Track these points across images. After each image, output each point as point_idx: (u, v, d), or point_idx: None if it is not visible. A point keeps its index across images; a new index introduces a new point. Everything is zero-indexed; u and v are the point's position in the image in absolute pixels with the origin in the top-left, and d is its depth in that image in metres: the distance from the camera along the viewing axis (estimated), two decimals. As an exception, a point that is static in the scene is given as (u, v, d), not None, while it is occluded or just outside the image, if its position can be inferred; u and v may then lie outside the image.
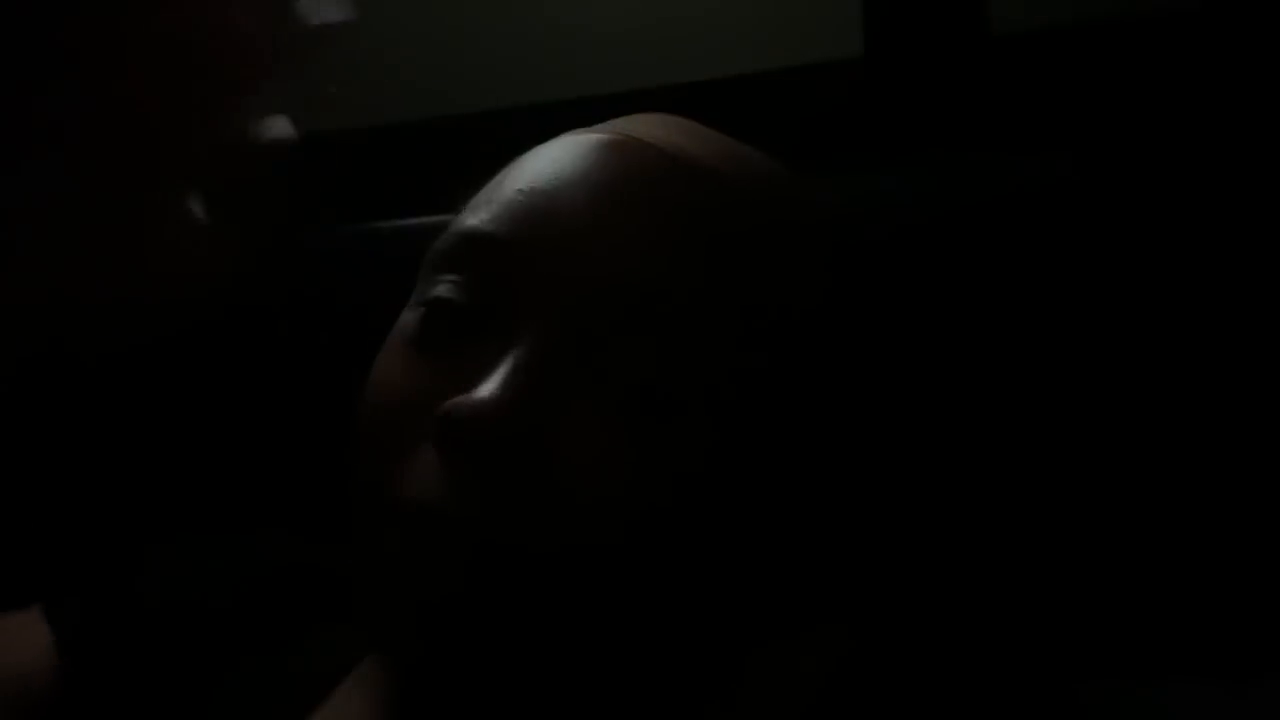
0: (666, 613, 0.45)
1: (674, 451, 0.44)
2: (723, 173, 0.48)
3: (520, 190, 0.47)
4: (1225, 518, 0.56)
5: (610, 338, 0.44)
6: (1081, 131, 0.72)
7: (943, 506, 0.58)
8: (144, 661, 0.51)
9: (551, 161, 0.48)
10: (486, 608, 0.42)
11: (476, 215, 0.48)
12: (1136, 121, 0.71)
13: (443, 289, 0.46)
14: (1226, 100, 0.68)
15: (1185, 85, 0.70)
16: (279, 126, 0.44)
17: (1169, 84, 0.70)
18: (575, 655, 0.44)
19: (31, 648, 0.49)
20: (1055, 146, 0.70)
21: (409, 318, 0.48)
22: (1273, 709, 0.45)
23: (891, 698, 0.45)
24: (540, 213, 0.46)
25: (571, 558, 0.42)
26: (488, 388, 0.42)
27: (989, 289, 0.61)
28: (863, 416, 0.56)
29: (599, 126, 0.51)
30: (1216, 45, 0.70)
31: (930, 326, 0.60)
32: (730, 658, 0.48)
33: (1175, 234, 0.61)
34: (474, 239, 0.47)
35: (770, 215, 0.49)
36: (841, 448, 0.51)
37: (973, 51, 0.77)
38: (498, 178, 0.50)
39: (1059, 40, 0.74)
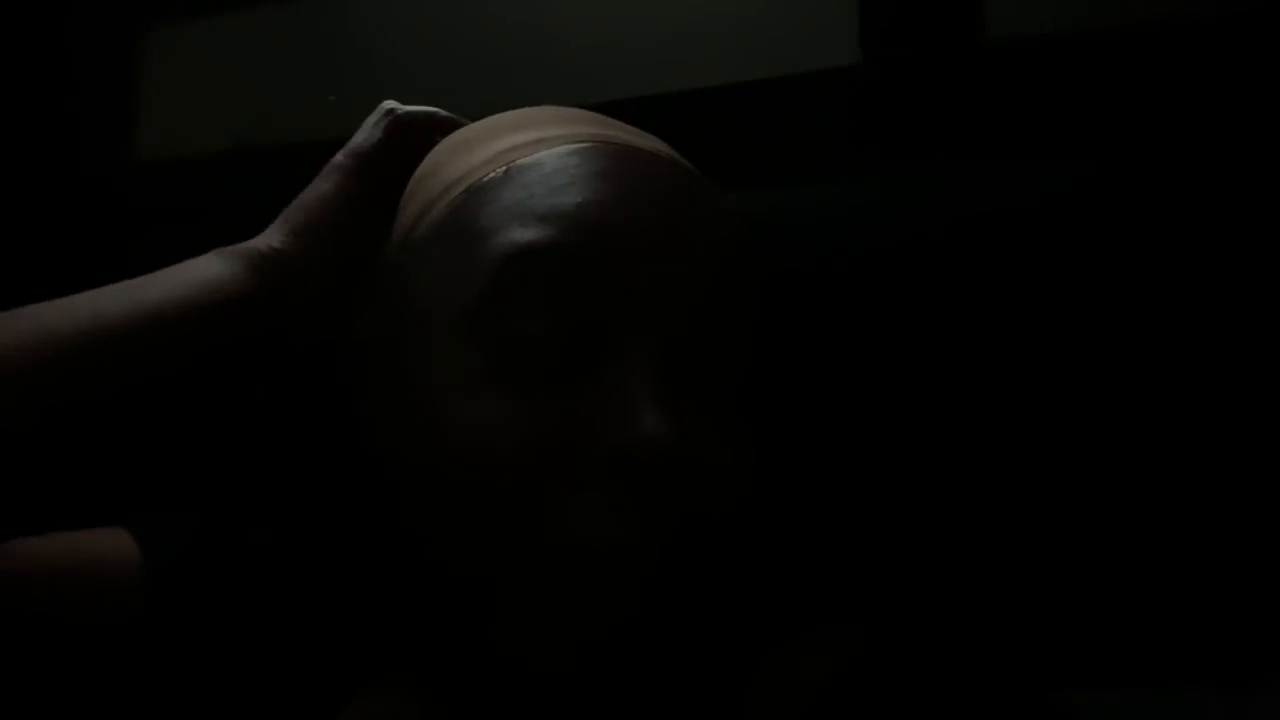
0: (756, 613, 0.47)
1: (769, 446, 0.46)
2: (703, 177, 0.51)
3: (581, 203, 0.46)
4: (1228, 526, 0.57)
5: (711, 341, 0.45)
6: (1076, 138, 0.73)
7: (949, 514, 0.58)
8: (226, 596, 0.51)
9: (599, 172, 0.47)
10: (661, 634, 0.43)
11: (536, 230, 0.45)
12: (1132, 129, 0.71)
13: (528, 323, 0.44)
14: (1223, 108, 0.68)
15: (1180, 93, 0.70)
16: None
17: (1164, 92, 0.70)
18: (706, 667, 0.45)
19: (118, 560, 0.49)
20: (1050, 153, 0.70)
21: (480, 358, 0.45)
22: (1274, 716, 0.45)
23: (894, 702, 0.45)
24: (611, 225, 0.45)
25: (732, 566, 0.44)
26: (648, 419, 0.41)
27: (986, 295, 0.61)
28: (855, 414, 0.56)
29: (601, 134, 0.51)
30: (1212, 53, 0.70)
31: (927, 333, 0.60)
32: (755, 654, 0.49)
33: (1172, 240, 0.61)
34: (544, 255, 0.45)
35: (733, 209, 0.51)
36: (836, 443, 0.52)
37: (968, 59, 0.77)
38: (525, 189, 0.47)
39: (1054, 48, 0.75)
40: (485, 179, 0.49)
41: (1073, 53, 0.74)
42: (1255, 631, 0.54)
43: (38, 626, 0.46)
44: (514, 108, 0.54)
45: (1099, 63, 0.73)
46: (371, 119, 0.56)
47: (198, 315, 0.48)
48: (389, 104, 0.56)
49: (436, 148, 0.54)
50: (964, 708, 0.45)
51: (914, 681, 0.46)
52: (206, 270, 0.50)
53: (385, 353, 0.49)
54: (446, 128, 0.55)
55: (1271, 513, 0.56)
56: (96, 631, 0.47)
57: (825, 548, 0.56)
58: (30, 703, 0.46)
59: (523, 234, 0.45)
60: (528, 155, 0.49)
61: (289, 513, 0.59)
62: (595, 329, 0.44)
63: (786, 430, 0.48)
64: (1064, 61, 0.74)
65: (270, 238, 0.53)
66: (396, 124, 0.55)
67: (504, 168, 0.49)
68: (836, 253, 0.62)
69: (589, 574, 0.42)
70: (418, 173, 0.53)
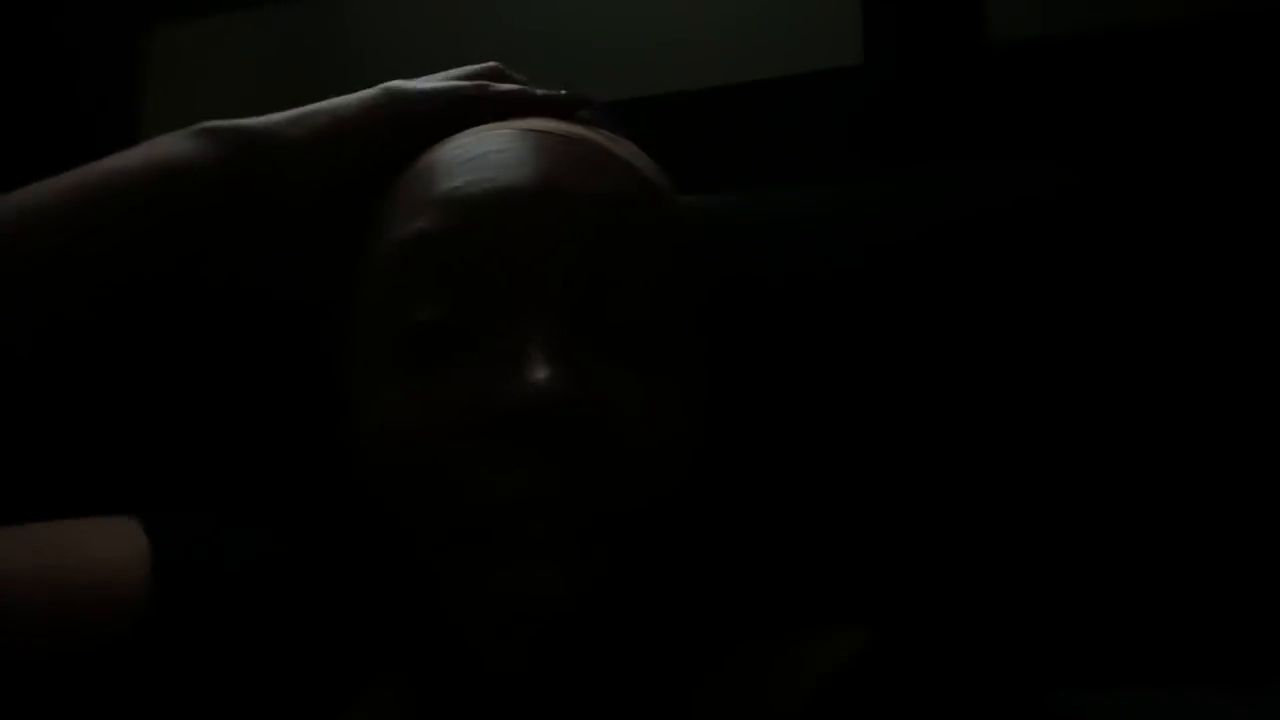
0: (693, 576, 0.47)
1: (686, 397, 0.46)
2: (608, 145, 0.51)
3: (462, 185, 0.47)
4: (1231, 525, 0.57)
5: (607, 299, 0.46)
6: (1078, 140, 0.73)
7: (950, 513, 0.58)
8: (231, 587, 0.51)
9: (485, 154, 0.48)
10: (603, 586, 0.43)
11: (423, 219, 0.47)
12: (1134, 130, 0.71)
13: (425, 309, 0.46)
14: (1226, 109, 0.68)
15: (1182, 95, 0.70)
16: None
17: (1166, 93, 0.71)
18: (650, 623, 0.45)
19: (125, 549, 0.49)
20: (1052, 154, 0.70)
21: (388, 347, 0.46)
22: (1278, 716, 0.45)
23: (898, 699, 0.45)
24: (490, 201, 0.46)
25: (655, 513, 0.44)
26: (535, 374, 0.42)
27: (987, 296, 0.61)
28: (859, 414, 0.56)
29: (517, 125, 0.51)
30: (1215, 54, 0.70)
31: (930, 334, 0.60)
32: (718, 641, 0.49)
33: (1173, 242, 0.62)
34: (435, 241, 0.47)
35: (648, 175, 0.51)
36: (837, 442, 0.52)
37: (971, 60, 0.77)
38: (420, 177, 0.49)
39: (1056, 49, 0.75)
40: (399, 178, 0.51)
41: (1075, 54, 0.74)
42: (1260, 630, 0.54)
43: (35, 626, 0.46)
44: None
45: (1101, 64, 0.73)
46: (466, 81, 0.54)
47: (147, 182, 0.50)
48: (493, 68, 0.56)
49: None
50: (967, 705, 0.45)
51: (917, 679, 0.46)
52: (168, 143, 0.52)
53: (339, 345, 0.51)
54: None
55: (1273, 511, 0.56)
56: (98, 633, 0.47)
57: (828, 543, 0.55)
58: (27, 704, 0.46)
59: (411, 224, 0.47)
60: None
61: (287, 505, 0.59)
62: (487, 304, 0.45)
63: (725, 384, 0.47)
64: (1066, 63, 0.74)
65: (278, 120, 0.53)
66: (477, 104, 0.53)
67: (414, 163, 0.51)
68: (838, 254, 0.62)
69: (514, 538, 0.42)
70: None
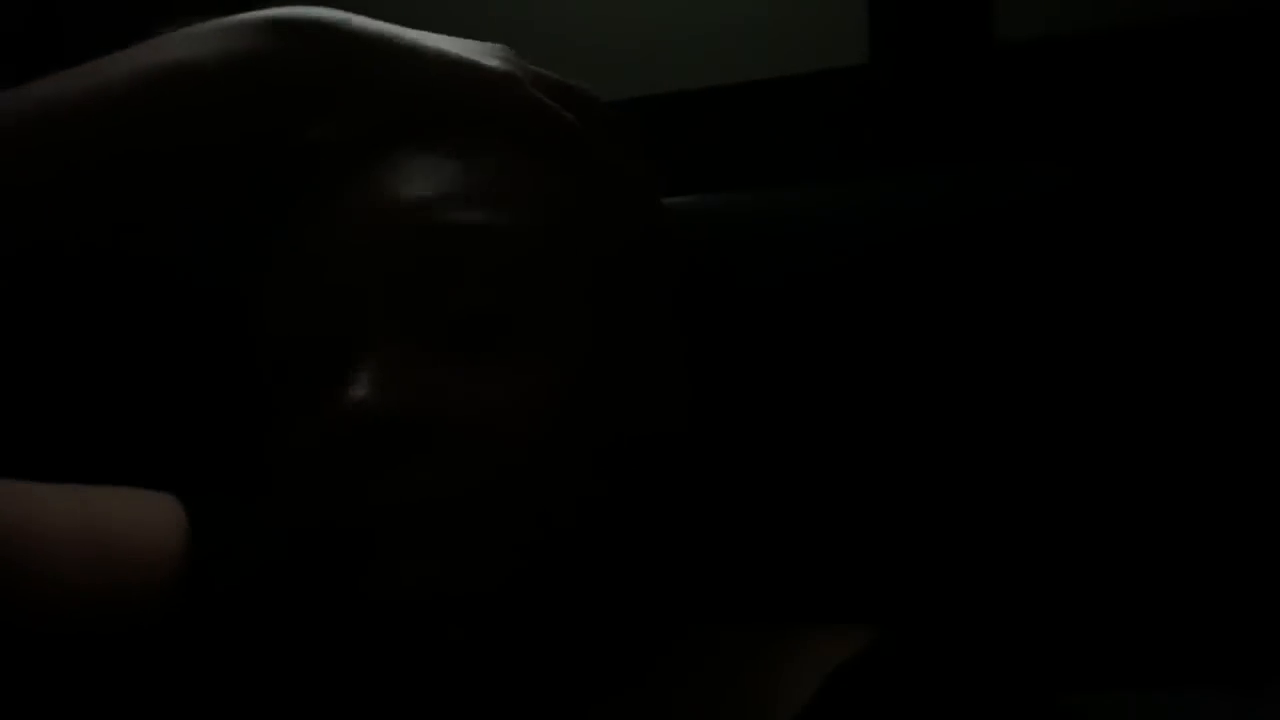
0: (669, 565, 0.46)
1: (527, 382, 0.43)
2: None
3: None
4: (1233, 526, 0.57)
5: (414, 279, 0.44)
6: (1085, 139, 0.73)
7: (951, 513, 0.58)
8: (266, 564, 0.50)
9: None
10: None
11: None
12: (1141, 130, 0.71)
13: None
14: (1231, 109, 0.68)
15: (1189, 94, 0.70)
16: None
17: (1173, 93, 0.70)
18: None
19: (164, 521, 0.48)
20: (1059, 154, 0.70)
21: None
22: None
23: (899, 698, 0.45)
24: None
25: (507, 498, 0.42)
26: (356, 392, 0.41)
27: (993, 296, 0.61)
28: (862, 413, 0.56)
29: None
30: (1220, 54, 0.70)
31: (936, 332, 0.60)
32: (644, 630, 0.48)
33: (1179, 241, 0.61)
34: None
35: None
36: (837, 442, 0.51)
37: (977, 59, 0.77)
38: None
39: (1063, 49, 0.75)
40: None
41: (1082, 54, 0.74)
42: (1260, 631, 0.54)
43: (75, 584, 0.45)
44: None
45: (1107, 64, 0.73)
46: None
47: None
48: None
49: None
50: (970, 704, 0.45)
51: (920, 677, 0.46)
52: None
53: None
54: None
55: (1273, 512, 0.56)
56: (135, 599, 0.46)
57: (831, 542, 0.55)
58: (41, 696, 0.45)
59: None
60: None
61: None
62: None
63: (725, 384, 0.46)
64: (1073, 63, 0.74)
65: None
66: None
67: None
68: (844, 253, 0.62)
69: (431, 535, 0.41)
70: None
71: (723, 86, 0.81)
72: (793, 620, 0.51)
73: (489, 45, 0.50)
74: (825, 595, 0.56)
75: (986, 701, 0.45)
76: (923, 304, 0.60)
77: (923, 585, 0.57)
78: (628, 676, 0.46)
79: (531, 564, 0.42)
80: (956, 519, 0.57)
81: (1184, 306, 0.60)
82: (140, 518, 0.48)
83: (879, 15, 0.79)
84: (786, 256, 0.61)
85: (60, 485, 0.47)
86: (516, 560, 0.42)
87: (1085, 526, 0.57)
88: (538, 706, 0.44)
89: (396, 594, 0.41)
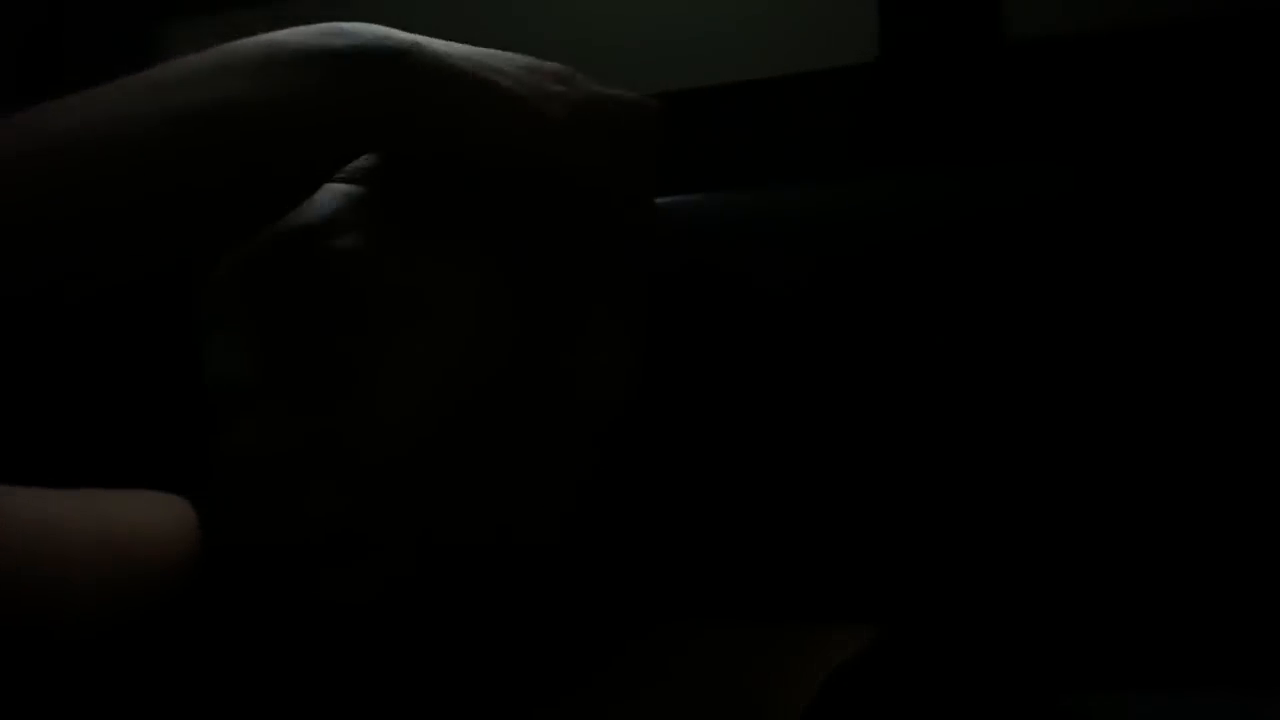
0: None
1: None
2: None
3: None
4: (1238, 526, 0.56)
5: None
6: (1094, 138, 0.72)
7: (953, 513, 0.58)
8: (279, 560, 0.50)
9: None
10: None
11: None
12: (1150, 129, 0.71)
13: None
14: (1240, 109, 0.68)
15: (1199, 94, 0.70)
16: None
17: (1183, 92, 0.70)
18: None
19: (175, 523, 0.49)
20: (1068, 153, 0.70)
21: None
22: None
23: (901, 698, 0.45)
24: None
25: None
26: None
27: (1000, 295, 0.61)
28: (864, 413, 0.56)
29: None
30: (1229, 54, 0.69)
31: (939, 332, 0.60)
32: (599, 623, 0.48)
33: (1188, 240, 0.61)
34: None
35: None
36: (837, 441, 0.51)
37: (986, 57, 0.77)
38: None
39: (1072, 47, 0.74)
40: None
41: (1093, 52, 0.73)
42: (1266, 633, 0.54)
43: (89, 584, 0.46)
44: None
45: (1117, 62, 0.72)
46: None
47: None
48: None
49: None
50: (971, 705, 0.45)
51: (922, 677, 0.46)
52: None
53: None
54: None
55: (1277, 511, 0.56)
56: (147, 601, 0.47)
57: (832, 542, 0.55)
58: (53, 697, 0.46)
59: None
60: None
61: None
62: None
63: (726, 385, 0.46)
64: (1084, 61, 0.73)
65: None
66: None
67: None
68: (846, 254, 0.62)
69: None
70: None
71: (730, 84, 0.81)
72: (793, 620, 0.51)
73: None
74: (825, 595, 0.56)
75: (986, 701, 0.45)
76: (924, 304, 0.60)
77: (923, 585, 0.56)
78: (628, 676, 0.47)
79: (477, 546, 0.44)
80: (957, 519, 0.57)
81: (1194, 307, 0.60)
82: (152, 520, 0.48)
83: (888, 12, 0.79)
84: (788, 256, 0.61)
85: (74, 490, 0.47)
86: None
87: (1086, 526, 0.57)
88: (515, 703, 0.45)
89: (348, 595, 0.42)
